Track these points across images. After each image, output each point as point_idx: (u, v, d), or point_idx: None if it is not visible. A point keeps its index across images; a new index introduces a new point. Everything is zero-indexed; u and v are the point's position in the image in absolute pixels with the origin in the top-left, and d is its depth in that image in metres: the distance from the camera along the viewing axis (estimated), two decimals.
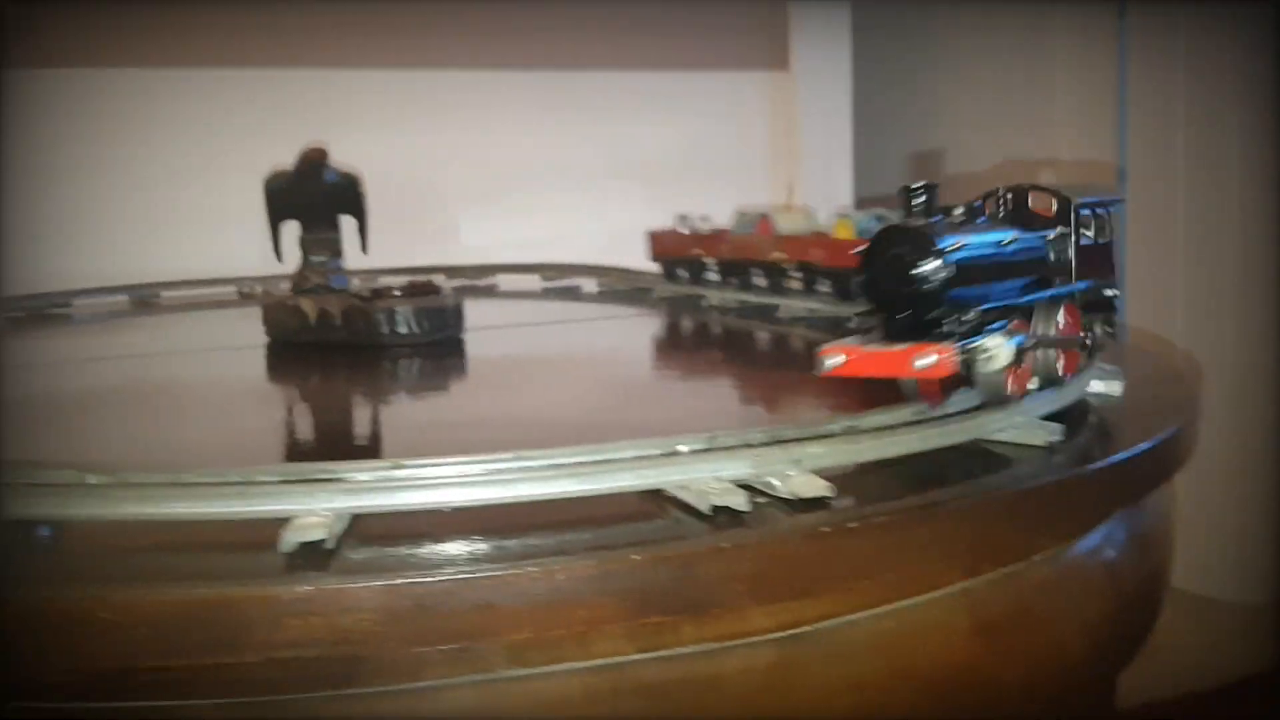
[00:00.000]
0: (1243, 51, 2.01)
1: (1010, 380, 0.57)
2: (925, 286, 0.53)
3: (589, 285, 1.54)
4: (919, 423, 0.55)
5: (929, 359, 0.51)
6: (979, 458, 0.56)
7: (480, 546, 0.43)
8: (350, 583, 0.39)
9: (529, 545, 0.43)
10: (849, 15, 2.13)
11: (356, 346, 1.03)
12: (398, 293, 1.06)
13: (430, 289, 1.07)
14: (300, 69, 1.81)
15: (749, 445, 0.49)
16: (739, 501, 0.46)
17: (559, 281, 1.59)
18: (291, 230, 1.14)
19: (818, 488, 0.47)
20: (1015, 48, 2.37)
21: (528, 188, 1.94)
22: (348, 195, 1.13)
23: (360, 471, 0.46)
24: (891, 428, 0.54)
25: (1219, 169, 2.07)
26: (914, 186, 0.57)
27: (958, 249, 0.54)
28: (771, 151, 2.13)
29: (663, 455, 0.48)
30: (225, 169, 1.72)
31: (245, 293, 1.62)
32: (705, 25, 2.08)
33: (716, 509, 0.46)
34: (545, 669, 0.43)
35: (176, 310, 1.53)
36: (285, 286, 1.16)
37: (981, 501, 0.50)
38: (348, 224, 1.15)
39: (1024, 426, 0.58)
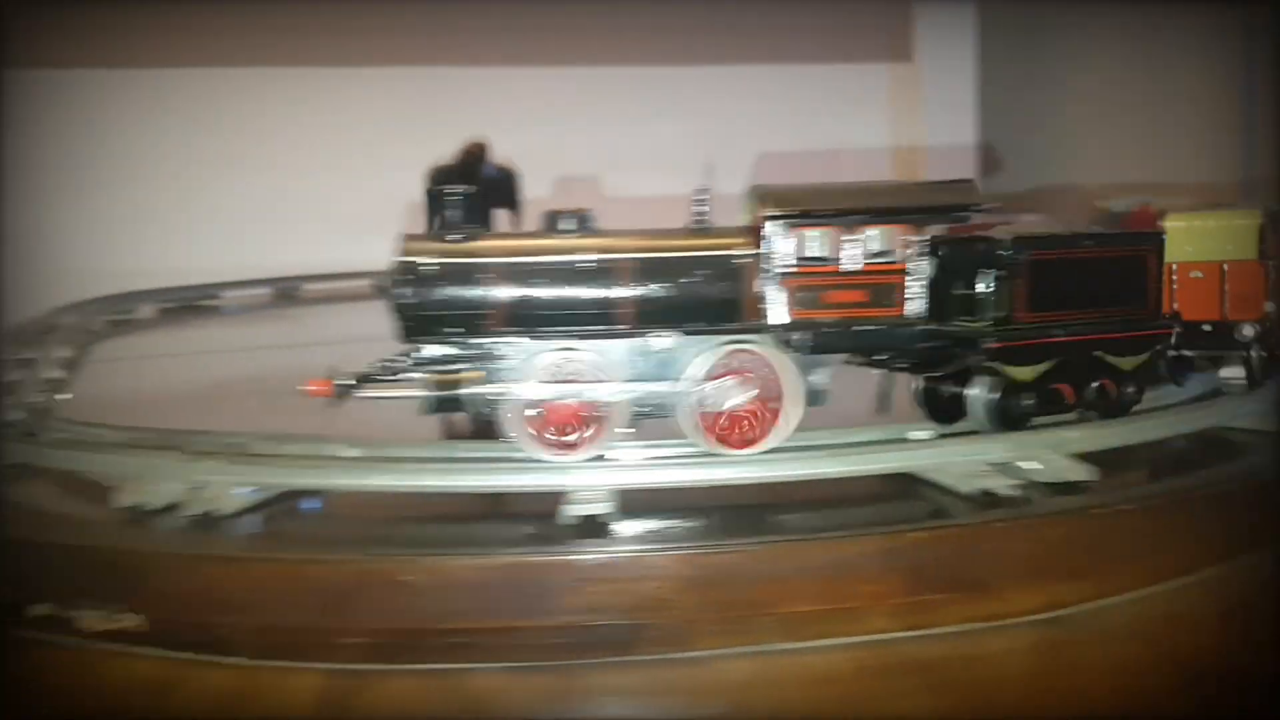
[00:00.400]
0: None
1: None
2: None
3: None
4: (1159, 409, 0.55)
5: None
6: (1213, 445, 0.56)
7: (750, 521, 0.44)
8: (648, 551, 0.40)
9: (803, 521, 0.44)
10: (974, 7, 2.10)
11: None
12: None
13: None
14: (447, 67, 1.85)
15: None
16: (1001, 485, 0.46)
17: None
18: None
19: (1081, 472, 0.47)
20: (1139, 51, 2.30)
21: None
22: (504, 189, 1.16)
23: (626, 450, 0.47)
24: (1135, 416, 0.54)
25: None
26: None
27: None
28: (891, 144, 2.10)
29: (924, 440, 0.48)
30: (360, 165, 1.77)
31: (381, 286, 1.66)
32: (823, 18, 2.06)
33: (982, 492, 0.46)
34: (816, 643, 0.44)
35: (323, 302, 1.58)
36: None
37: (1236, 488, 0.50)
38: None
39: (1259, 415, 0.57)
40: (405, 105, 1.82)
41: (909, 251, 0.46)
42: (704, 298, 0.47)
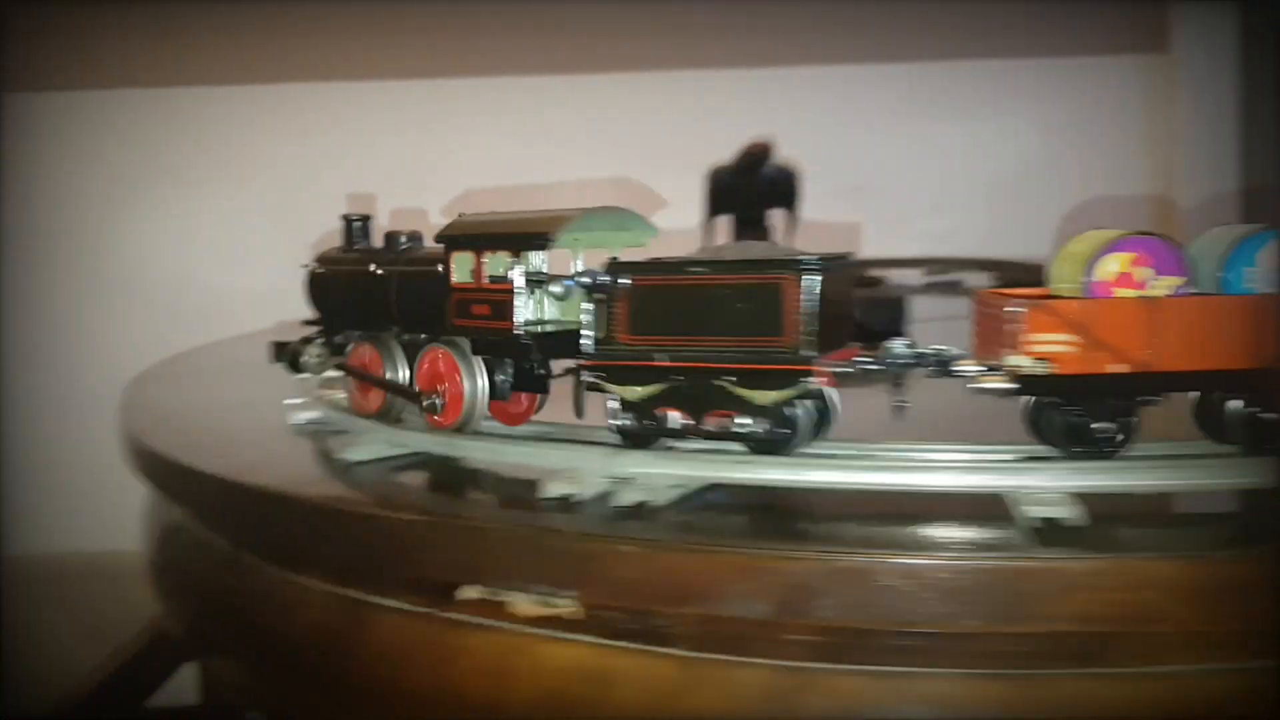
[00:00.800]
0: None
1: None
2: None
3: (978, 280, 1.49)
4: None
5: None
6: None
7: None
8: (1145, 558, 0.38)
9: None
10: None
11: None
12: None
13: (872, 281, 1.06)
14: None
15: None
16: None
17: (941, 277, 1.55)
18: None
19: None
20: None
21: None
22: (783, 189, 1.15)
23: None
24: None
25: None
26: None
27: None
28: (1148, 139, 1.99)
29: None
30: None
31: None
32: (1072, 6, 1.97)
33: None
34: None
35: None
36: None
37: None
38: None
39: None
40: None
41: (515, 273, 0.55)
42: (428, 306, 0.60)
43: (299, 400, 0.72)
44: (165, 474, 0.68)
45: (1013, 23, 1.94)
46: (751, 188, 1.14)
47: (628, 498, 0.48)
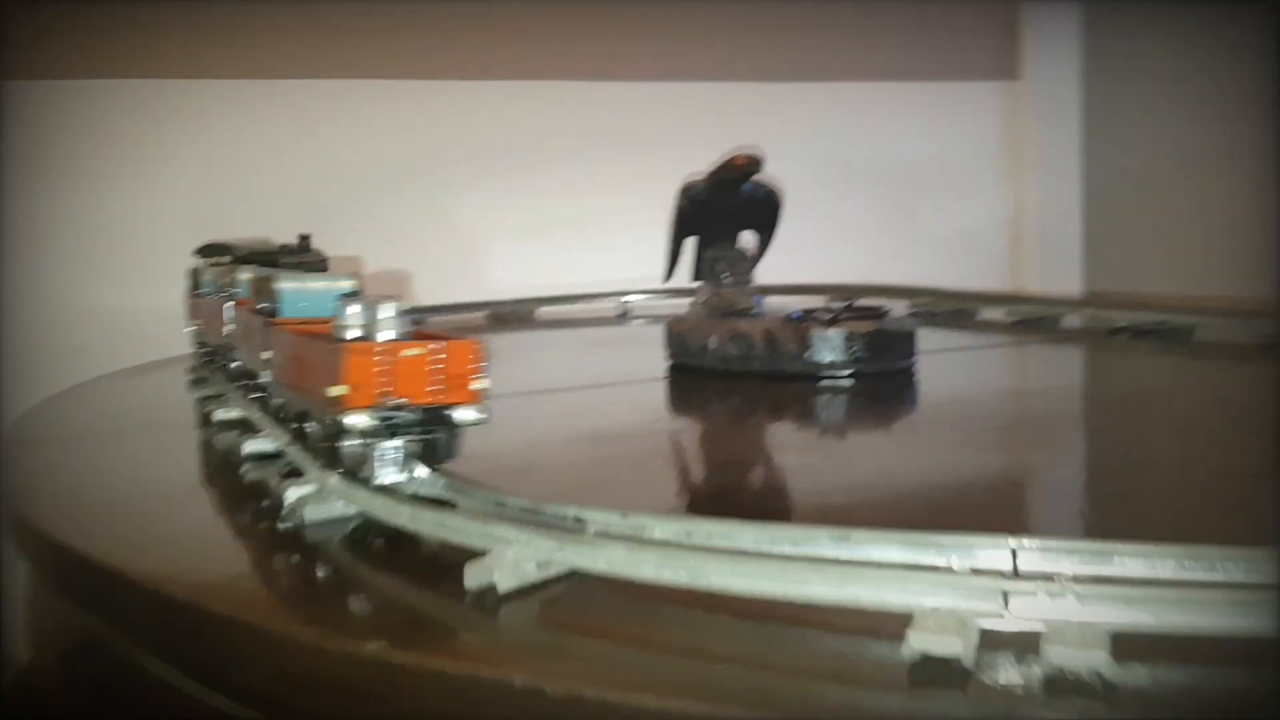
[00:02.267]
0: None
1: None
2: None
3: (897, 308, 1.48)
4: None
5: None
6: None
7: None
8: None
9: None
10: (1079, 22, 2.08)
11: (789, 376, 0.96)
12: (835, 315, 0.99)
13: (874, 312, 1.00)
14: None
15: None
16: None
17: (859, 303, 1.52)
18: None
19: None
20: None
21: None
22: (762, 209, 1.08)
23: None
24: None
25: None
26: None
27: None
28: (1001, 164, 2.08)
29: None
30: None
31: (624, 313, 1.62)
32: (933, 33, 2.03)
33: None
34: None
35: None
36: (689, 307, 1.10)
37: None
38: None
39: None
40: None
41: None
42: None
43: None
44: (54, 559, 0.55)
45: (885, 48, 1.97)
46: (730, 207, 1.06)
47: None
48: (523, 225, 1.78)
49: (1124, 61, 2.24)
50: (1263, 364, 1.06)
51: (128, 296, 1.54)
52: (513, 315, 1.57)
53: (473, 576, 0.42)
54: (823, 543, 0.39)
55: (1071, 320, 1.31)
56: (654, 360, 1.07)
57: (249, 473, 0.64)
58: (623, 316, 1.62)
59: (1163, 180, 2.25)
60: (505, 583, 0.41)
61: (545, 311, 1.60)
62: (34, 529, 0.57)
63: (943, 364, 1.10)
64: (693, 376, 1.03)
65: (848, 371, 0.95)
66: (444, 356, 0.50)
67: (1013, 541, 0.36)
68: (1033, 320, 1.33)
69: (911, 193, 2.00)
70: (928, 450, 0.75)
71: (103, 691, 0.55)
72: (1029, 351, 1.24)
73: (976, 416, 0.89)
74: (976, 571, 0.35)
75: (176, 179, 1.62)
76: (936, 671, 0.32)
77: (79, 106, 1.58)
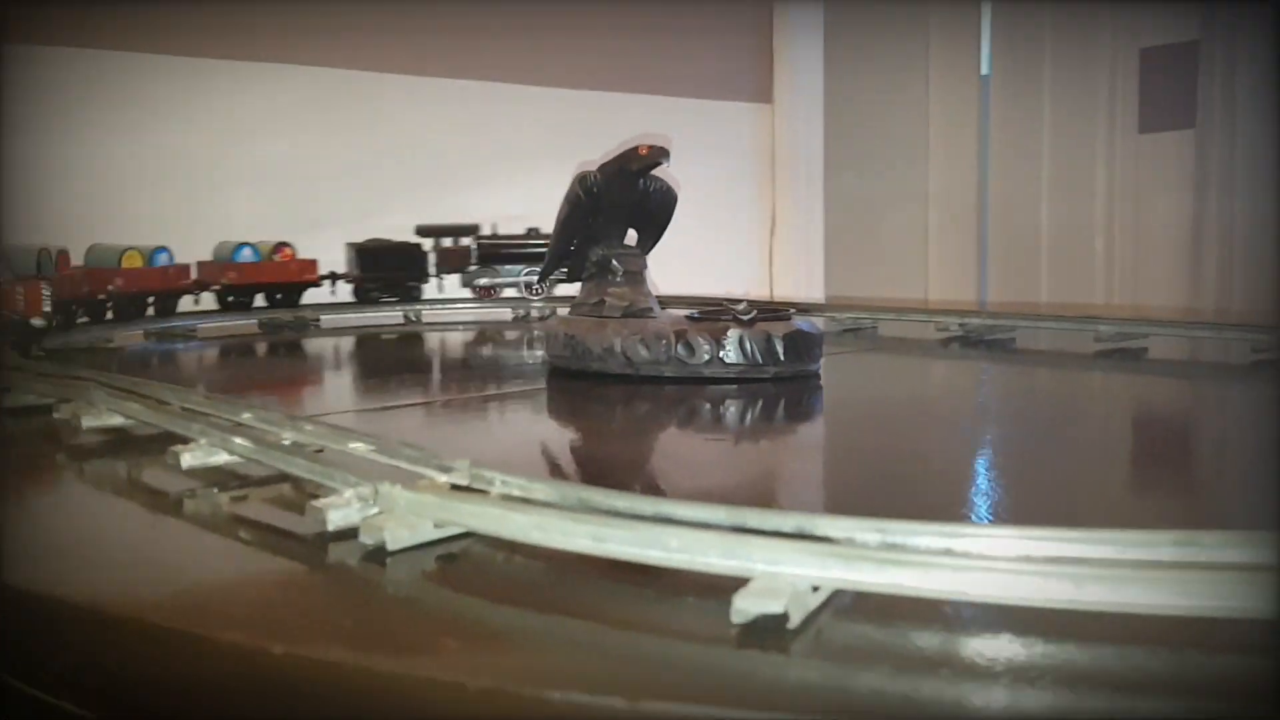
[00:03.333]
0: None
1: None
2: None
3: None
4: None
5: None
6: None
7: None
8: None
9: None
10: (821, 48, 2.21)
11: (704, 379, 0.92)
12: (743, 317, 0.95)
13: (781, 313, 0.98)
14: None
15: None
16: None
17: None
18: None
19: None
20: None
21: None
22: (656, 210, 1.03)
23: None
24: None
25: None
26: None
27: None
28: (752, 181, 2.16)
29: None
30: None
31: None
32: (695, 55, 2.07)
33: None
34: None
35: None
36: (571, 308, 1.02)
37: None
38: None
39: None
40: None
41: None
42: None
43: None
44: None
45: (659, 65, 1.99)
46: (629, 201, 1.00)
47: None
48: None
49: (859, 89, 2.42)
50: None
51: None
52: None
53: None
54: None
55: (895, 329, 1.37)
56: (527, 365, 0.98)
57: None
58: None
59: (885, 194, 2.46)
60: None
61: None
62: None
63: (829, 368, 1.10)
64: (589, 381, 0.96)
65: (768, 374, 0.92)
66: None
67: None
68: (855, 329, 1.38)
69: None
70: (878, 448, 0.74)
71: None
72: (887, 361, 1.28)
73: (893, 417, 0.89)
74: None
75: None
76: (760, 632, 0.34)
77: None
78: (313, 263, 1.52)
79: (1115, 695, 0.30)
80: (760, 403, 0.88)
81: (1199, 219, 2.08)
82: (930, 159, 2.51)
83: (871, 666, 0.32)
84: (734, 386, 0.91)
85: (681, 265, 1.99)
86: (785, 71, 2.15)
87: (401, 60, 1.73)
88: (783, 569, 0.35)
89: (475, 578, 0.41)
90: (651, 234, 1.03)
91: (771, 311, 0.97)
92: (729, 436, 0.81)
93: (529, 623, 0.37)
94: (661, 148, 0.94)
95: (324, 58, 1.67)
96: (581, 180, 0.97)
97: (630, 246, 1.02)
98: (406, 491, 0.44)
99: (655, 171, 0.99)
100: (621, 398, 0.92)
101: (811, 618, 0.35)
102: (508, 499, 0.46)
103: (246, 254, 1.45)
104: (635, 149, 0.95)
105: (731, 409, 0.87)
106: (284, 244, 1.48)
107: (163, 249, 1.37)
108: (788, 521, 0.38)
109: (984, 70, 2.43)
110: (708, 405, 0.88)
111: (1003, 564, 0.34)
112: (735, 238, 2.13)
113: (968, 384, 1.13)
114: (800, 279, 2.16)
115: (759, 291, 2.10)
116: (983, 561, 0.34)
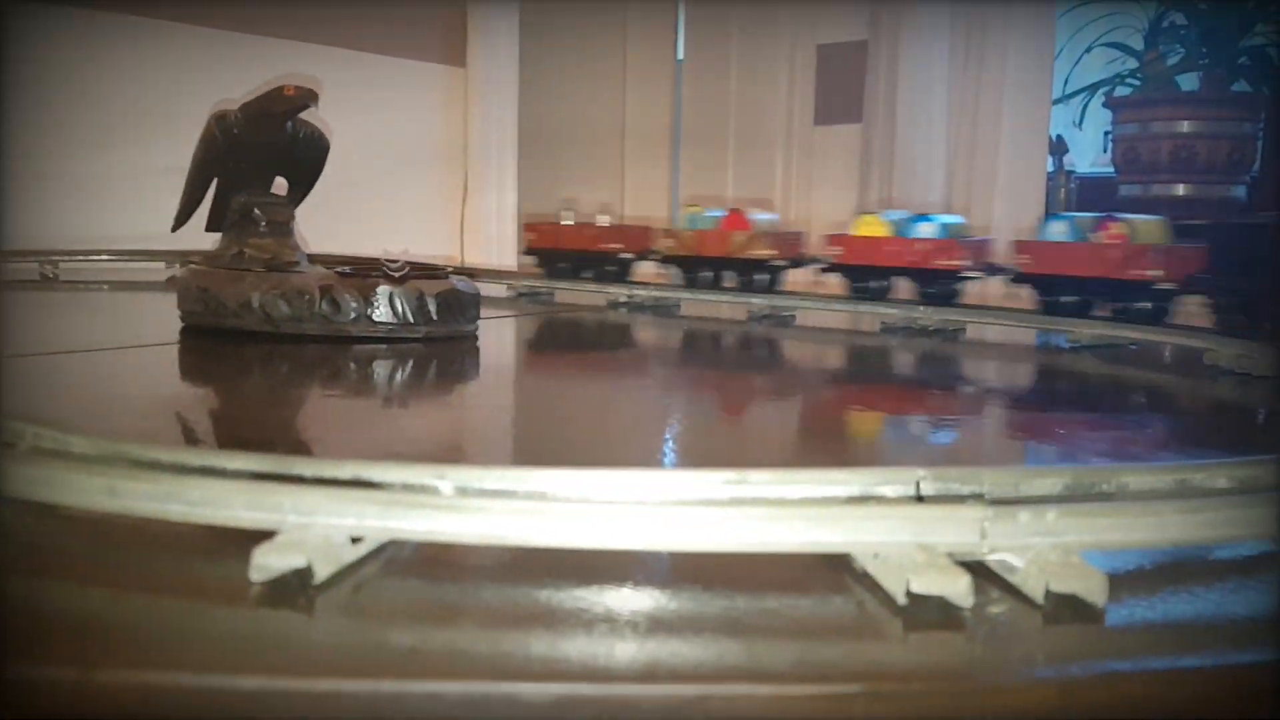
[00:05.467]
0: None
1: None
2: None
3: None
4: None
5: None
6: None
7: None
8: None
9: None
10: (518, 16, 2.18)
11: (351, 339, 0.87)
12: (394, 274, 0.90)
13: (437, 272, 0.94)
14: None
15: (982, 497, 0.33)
16: (956, 590, 0.29)
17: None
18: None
19: (1090, 585, 0.29)
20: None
21: None
22: (306, 153, 0.96)
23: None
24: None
25: None
26: None
27: None
28: (445, 146, 2.10)
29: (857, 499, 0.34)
30: None
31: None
32: (382, 9, 1.98)
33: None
34: None
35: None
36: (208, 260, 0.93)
37: None
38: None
39: None
40: None
41: None
42: None
43: None
44: None
45: (345, 19, 1.89)
46: (275, 147, 0.92)
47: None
48: None
49: (556, 64, 2.41)
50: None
51: None
52: None
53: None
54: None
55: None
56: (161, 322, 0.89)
57: None
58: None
59: (581, 168, 2.47)
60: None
61: None
62: None
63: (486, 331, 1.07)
64: (224, 339, 0.88)
65: (420, 334, 0.88)
66: None
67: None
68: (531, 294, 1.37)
69: (364, 165, 1.93)
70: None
71: None
72: (554, 323, 1.27)
73: (545, 377, 0.89)
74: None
75: None
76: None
77: None
78: None
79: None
80: (411, 363, 0.84)
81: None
82: (626, 137, 2.55)
83: (411, 624, 0.29)
84: (384, 346, 0.87)
85: (368, 228, 1.91)
86: (479, 36, 2.10)
87: None
88: (316, 519, 0.31)
89: None
90: (302, 184, 0.96)
91: (427, 270, 0.93)
92: (369, 397, 0.76)
93: (14, 589, 0.31)
94: (309, 89, 0.88)
95: None
96: (220, 119, 0.89)
97: (277, 195, 0.94)
98: None
99: (307, 117, 0.92)
100: (258, 357, 0.85)
101: (349, 571, 0.32)
102: (38, 451, 0.39)
103: None
104: (281, 88, 0.88)
105: (378, 370, 0.82)
106: None
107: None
108: (344, 470, 0.35)
109: (679, 56, 2.49)
110: (352, 365, 0.83)
111: (556, 507, 0.32)
112: (427, 202, 2.06)
113: (627, 343, 1.15)
114: (492, 247, 2.13)
115: (450, 258, 2.05)
116: (530, 504, 0.32)
